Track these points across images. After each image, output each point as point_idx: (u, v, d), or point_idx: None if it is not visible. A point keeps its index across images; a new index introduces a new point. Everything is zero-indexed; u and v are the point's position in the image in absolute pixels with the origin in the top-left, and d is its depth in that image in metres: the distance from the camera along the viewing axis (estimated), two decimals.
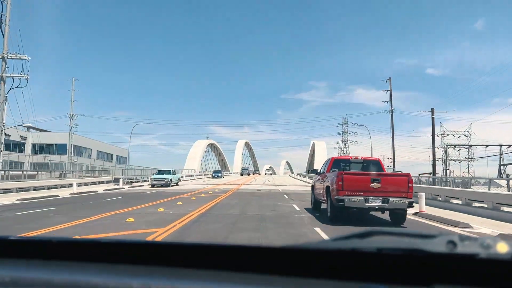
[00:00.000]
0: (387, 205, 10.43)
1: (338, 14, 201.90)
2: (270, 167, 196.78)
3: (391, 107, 59.23)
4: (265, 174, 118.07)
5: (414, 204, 11.04)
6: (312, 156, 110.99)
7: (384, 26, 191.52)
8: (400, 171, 19.67)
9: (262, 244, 0.98)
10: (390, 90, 59.21)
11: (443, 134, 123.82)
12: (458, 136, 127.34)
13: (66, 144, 64.48)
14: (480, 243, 0.80)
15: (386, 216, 11.90)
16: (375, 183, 10.40)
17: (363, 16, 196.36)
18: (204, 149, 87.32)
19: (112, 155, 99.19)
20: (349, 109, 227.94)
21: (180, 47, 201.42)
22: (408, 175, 10.94)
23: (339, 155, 66.53)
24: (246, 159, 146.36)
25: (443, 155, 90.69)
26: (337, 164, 13.08)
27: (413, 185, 11.36)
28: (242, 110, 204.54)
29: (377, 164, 13.14)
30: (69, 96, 56.54)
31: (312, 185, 15.18)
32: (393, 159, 60.22)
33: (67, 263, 1.00)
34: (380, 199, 10.37)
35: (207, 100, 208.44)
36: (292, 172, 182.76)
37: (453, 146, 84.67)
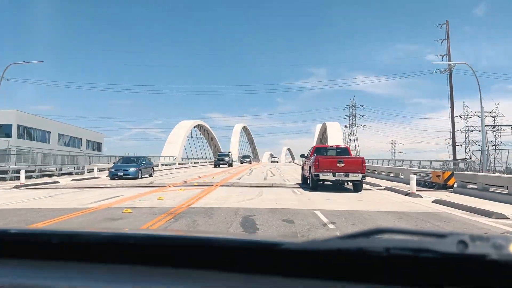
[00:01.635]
0: (347, 178, 15.21)
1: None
2: (270, 154, 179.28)
3: (449, 61, 40.39)
4: (272, 161, 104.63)
5: (366, 178, 16.20)
6: (321, 140, 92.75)
7: (385, 12, 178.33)
8: (359, 155, 24.80)
9: (265, 239, 0.99)
10: (448, 38, 40.22)
11: (466, 115, 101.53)
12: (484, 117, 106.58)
13: (11, 125, 47.61)
14: (492, 243, 0.77)
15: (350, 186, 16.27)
16: (340, 164, 15.19)
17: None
18: (188, 130, 68.67)
19: (81, 140, 79.71)
20: (350, 96, 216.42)
21: (180, 35, 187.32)
22: (362, 158, 16.27)
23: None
24: (244, 146, 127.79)
25: (466, 139, 73.22)
26: (318, 150, 18.21)
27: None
28: (242, 98, 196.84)
29: (345, 150, 18.89)
30: None
31: (302, 166, 20.32)
32: (453, 138, 41.69)
33: None
34: (343, 174, 15.13)
35: (205, 88, 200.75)
36: (294, 160, 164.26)
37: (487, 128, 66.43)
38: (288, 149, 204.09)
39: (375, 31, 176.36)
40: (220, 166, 46.38)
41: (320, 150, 18.22)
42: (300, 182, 19.36)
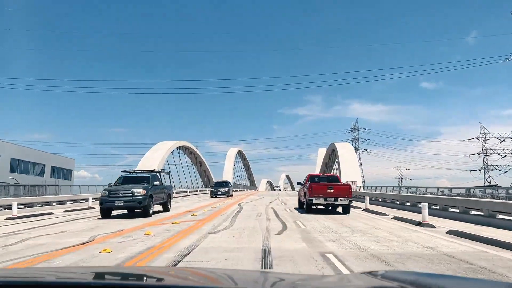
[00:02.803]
0: (337, 202, 17.52)
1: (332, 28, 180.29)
2: (268, 181, 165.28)
3: None
4: (274, 189, 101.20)
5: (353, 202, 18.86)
6: (326, 164, 79.31)
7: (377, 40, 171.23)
8: (347, 182, 24.63)
9: None
10: None
11: (483, 137, 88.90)
12: (502, 139, 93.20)
13: None
14: None
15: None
16: (330, 190, 17.34)
17: (357, 30, 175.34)
18: (167, 153, 54.97)
19: (43, 166, 65.54)
20: (345, 123, 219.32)
21: (173, 61, 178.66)
22: (349, 185, 19.43)
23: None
24: (239, 172, 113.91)
25: (485, 163, 58.04)
26: (312, 178, 19.80)
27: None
28: (237, 127, 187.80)
29: (335, 178, 21.05)
30: None
31: (298, 192, 22.76)
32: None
33: None
34: (333, 198, 17.31)
35: (200, 118, 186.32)
36: (293, 188, 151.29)
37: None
38: (287, 176, 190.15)
39: (369, 59, 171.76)
40: (218, 196, 39.07)
41: (314, 178, 19.96)
42: (298, 207, 21.50)
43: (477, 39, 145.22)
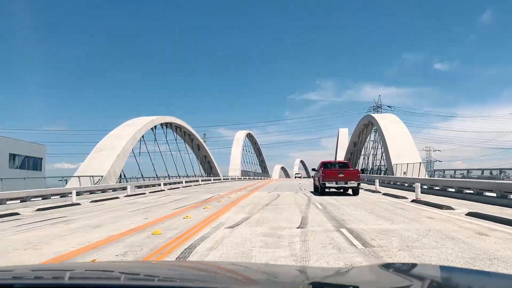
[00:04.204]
0: (346, 185, 18.77)
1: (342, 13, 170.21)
2: (282, 167, 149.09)
3: None
4: (295, 177, 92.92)
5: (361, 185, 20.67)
6: (355, 144, 63.05)
7: (391, 21, 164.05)
8: (356, 168, 27.82)
9: None
10: None
11: None
12: None
13: None
14: None
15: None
16: (340, 174, 18.87)
17: (367, 12, 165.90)
18: (142, 130, 38.69)
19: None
20: (358, 107, 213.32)
21: (184, 47, 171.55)
22: (357, 170, 21.87)
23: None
24: (249, 158, 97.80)
25: None
26: (325, 164, 21.03)
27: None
28: (249, 113, 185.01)
29: (346, 164, 22.62)
30: None
31: (313, 177, 24.17)
32: None
33: None
34: (343, 182, 18.68)
35: (211, 104, 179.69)
36: (307, 174, 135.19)
37: None
38: (301, 161, 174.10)
39: (381, 41, 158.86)
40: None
41: (327, 164, 21.18)
42: (313, 190, 22.19)
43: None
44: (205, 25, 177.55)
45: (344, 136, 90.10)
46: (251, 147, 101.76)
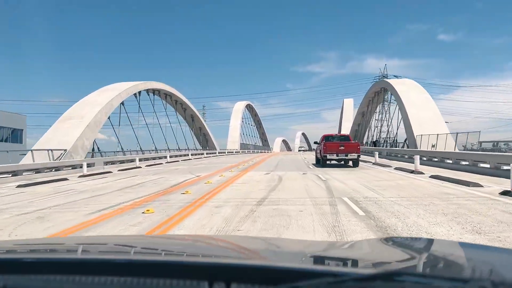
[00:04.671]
0: (347, 157, 19.04)
1: None
2: (283, 140, 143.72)
3: None
4: (299, 150, 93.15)
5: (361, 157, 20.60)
6: (363, 114, 57.46)
7: None
8: (356, 141, 25.66)
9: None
10: None
11: None
12: None
13: None
14: None
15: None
16: (341, 147, 19.06)
17: None
18: (118, 98, 32.78)
19: None
20: (361, 79, 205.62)
21: (187, 19, 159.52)
22: (357, 142, 21.42)
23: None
24: (249, 130, 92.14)
25: None
26: (327, 138, 21.23)
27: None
28: (251, 86, 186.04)
29: (347, 137, 22.52)
30: None
31: (315, 150, 24.23)
32: None
33: None
34: (344, 154, 18.92)
35: (211, 78, 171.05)
36: (309, 147, 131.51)
37: None
38: (303, 134, 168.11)
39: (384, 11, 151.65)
40: None
41: (328, 137, 21.40)
42: (315, 162, 22.43)
43: None
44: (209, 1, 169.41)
45: (349, 107, 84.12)
46: (251, 119, 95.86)
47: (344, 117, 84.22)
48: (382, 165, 18.69)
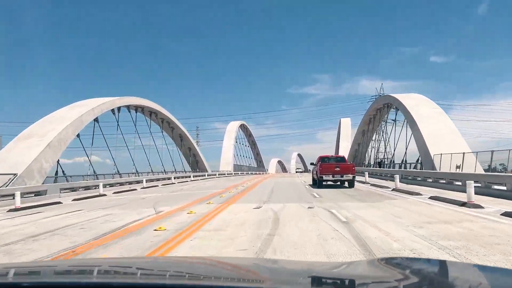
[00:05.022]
0: (343, 178, 19.24)
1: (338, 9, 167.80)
2: (278, 161, 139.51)
3: None
4: (296, 171, 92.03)
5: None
6: (364, 133, 53.88)
7: (386, 15, 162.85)
8: (351, 162, 25.30)
9: None
10: None
11: None
12: None
13: None
14: None
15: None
16: (337, 168, 19.20)
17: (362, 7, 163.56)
18: (91, 114, 28.55)
19: None
20: (355, 100, 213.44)
21: (181, 41, 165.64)
22: (353, 164, 21.68)
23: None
24: (243, 151, 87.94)
25: None
26: (322, 159, 21.14)
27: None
28: (245, 107, 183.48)
29: (342, 158, 22.38)
30: None
31: (312, 171, 23.94)
32: None
33: None
34: (339, 175, 19.11)
35: (208, 98, 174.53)
36: (305, 168, 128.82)
37: None
38: (299, 155, 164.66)
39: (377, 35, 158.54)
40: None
41: (324, 159, 21.20)
42: (311, 183, 22.43)
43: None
44: (203, 22, 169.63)
45: (347, 126, 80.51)
46: (245, 139, 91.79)
47: (342, 137, 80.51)
48: (406, 191, 14.38)
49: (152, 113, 43.37)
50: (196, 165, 55.23)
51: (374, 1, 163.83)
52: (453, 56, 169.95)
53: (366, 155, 56.18)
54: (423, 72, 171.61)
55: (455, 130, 27.72)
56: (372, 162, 50.82)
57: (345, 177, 18.95)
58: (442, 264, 1.87)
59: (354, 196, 13.57)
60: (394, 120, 38.47)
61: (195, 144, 55.24)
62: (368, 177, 33.11)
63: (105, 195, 19.18)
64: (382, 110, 44.96)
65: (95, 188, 21.39)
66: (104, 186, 20.29)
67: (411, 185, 19.25)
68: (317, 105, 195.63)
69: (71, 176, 25.38)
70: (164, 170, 41.52)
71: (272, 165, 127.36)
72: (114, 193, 20.50)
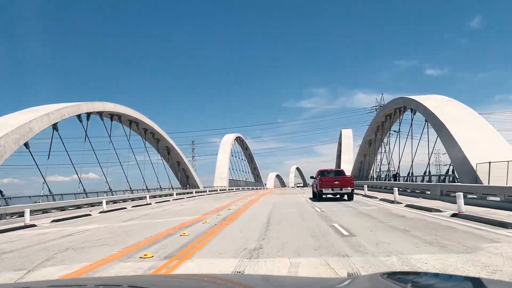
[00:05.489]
0: (342, 191, 19.57)
1: (334, 21, 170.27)
2: (277, 175, 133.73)
3: None
4: (297, 186, 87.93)
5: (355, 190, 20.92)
6: (381, 139, 48.48)
7: (382, 29, 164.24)
8: (350, 176, 23.93)
9: None
10: None
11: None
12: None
13: None
14: None
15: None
16: (336, 181, 19.57)
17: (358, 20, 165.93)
18: (35, 121, 22.98)
19: None
20: (351, 113, 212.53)
21: (177, 58, 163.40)
22: (351, 177, 21.80)
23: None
24: (239, 164, 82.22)
25: None
26: (322, 172, 21.85)
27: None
28: (243, 121, 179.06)
29: (341, 172, 23.13)
30: None
31: (312, 185, 25.04)
32: None
33: None
34: (339, 188, 19.44)
35: (204, 113, 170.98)
36: (304, 181, 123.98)
37: None
38: (297, 169, 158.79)
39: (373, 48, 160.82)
40: None
41: (323, 172, 21.85)
42: (311, 196, 23.23)
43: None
44: (198, 37, 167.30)
45: (348, 138, 75.08)
46: (242, 153, 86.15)
47: (344, 149, 74.87)
48: (486, 221, 8.76)
49: (132, 122, 37.80)
50: (186, 180, 49.48)
51: (369, 16, 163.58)
52: (448, 69, 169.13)
53: (374, 166, 50.63)
54: (419, 85, 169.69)
55: (496, 133, 22.23)
56: (382, 175, 45.18)
57: (344, 190, 19.44)
58: (448, 278, 1.92)
59: (409, 231, 7.90)
60: (410, 125, 32.94)
61: (184, 158, 49.51)
62: (377, 191, 27.69)
63: (34, 225, 13.46)
64: (393, 116, 39.59)
65: (36, 213, 15.64)
66: (37, 212, 14.53)
67: (447, 203, 13.80)
68: (314, 118, 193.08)
69: (9, 198, 19.54)
70: (146, 187, 35.81)
71: (270, 180, 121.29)
72: (53, 221, 14.77)
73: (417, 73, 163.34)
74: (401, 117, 37.33)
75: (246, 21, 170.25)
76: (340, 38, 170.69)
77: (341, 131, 79.79)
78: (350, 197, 19.38)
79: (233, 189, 57.94)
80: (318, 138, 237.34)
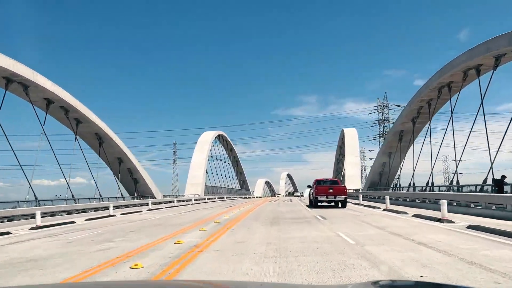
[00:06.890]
0: (336, 199, 21.52)
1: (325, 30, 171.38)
2: (266, 181, 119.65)
3: None
4: (295, 195, 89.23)
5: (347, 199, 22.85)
6: (413, 138, 33.81)
7: (371, 39, 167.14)
8: (344, 185, 25.57)
9: None
10: None
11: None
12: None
13: None
14: None
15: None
16: (330, 190, 21.64)
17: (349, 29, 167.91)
18: None
19: None
20: (339, 123, 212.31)
21: (168, 65, 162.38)
22: (344, 186, 24.34)
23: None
24: (221, 168, 67.46)
25: None
26: (318, 182, 23.82)
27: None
28: (232, 129, 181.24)
29: (336, 181, 25.76)
30: None
31: (309, 193, 27.66)
32: None
33: None
34: (333, 196, 21.46)
35: (196, 119, 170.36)
36: (296, 191, 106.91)
37: None
38: (288, 175, 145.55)
39: (363, 58, 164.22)
40: None
41: (319, 181, 23.83)
42: (308, 205, 25.10)
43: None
44: (190, 44, 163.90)
45: (352, 138, 61.12)
46: (225, 155, 71.59)
47: (348, 150, 60.28)
48: None
49: (50, 104, 23.11)
50: (135, 187, 34.68)
51: (360, 25, 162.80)
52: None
53: (399, 169, 36.63)
54: (407, 95, 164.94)
55: None
56: (426, 181, 31.31)
57: (338, 198, 21.46)
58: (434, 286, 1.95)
59: None
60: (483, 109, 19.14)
61: (131, 156, 34.57)
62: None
63: None
64: (439, 96, 25.78)
65: None
66: None
67: None
68: (304, 127, 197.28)
69: None
70: (73, 198, 21.20)
71: (259, 187, 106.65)
72: None
73: (405, 83, 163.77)
74: (459, 93, 23.46)
75: (235, 27, 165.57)
76: (332, 48, 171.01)
77: (342, 130, 65.95)
78: (343, 205, 21.58)
79: (205, 199, 43.19)
80: (309, 146, 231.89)
